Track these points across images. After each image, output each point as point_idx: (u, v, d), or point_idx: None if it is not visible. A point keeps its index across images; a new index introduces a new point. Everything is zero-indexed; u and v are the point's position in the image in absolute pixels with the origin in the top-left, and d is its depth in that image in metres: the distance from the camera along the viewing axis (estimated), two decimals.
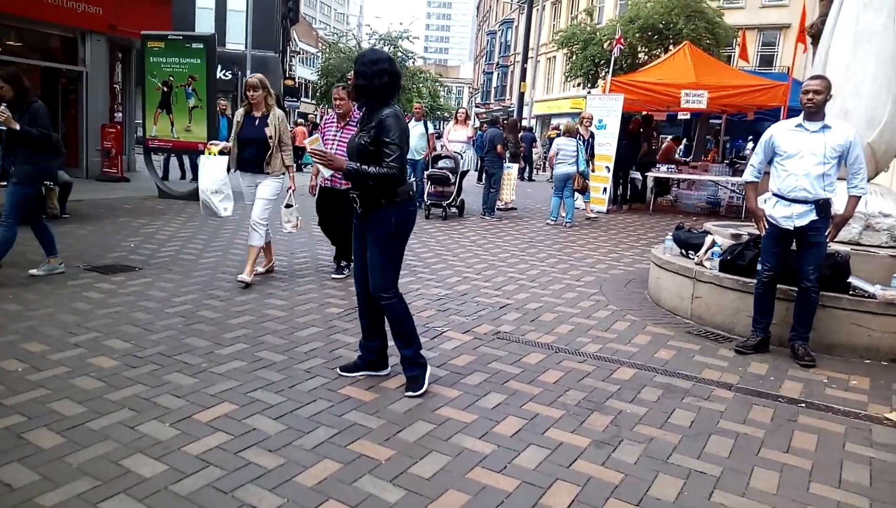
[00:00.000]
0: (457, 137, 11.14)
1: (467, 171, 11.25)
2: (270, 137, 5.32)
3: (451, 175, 10.07)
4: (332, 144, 5.48)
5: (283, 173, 5.52)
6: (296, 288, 5.45)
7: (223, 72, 23.37)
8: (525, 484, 2.61)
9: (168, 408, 3.09)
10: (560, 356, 4.14)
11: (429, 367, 3.54)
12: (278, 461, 2.68)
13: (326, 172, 4.89)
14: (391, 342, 3.61)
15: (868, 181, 5.13)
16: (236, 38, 25.94)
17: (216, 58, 11.06)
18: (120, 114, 14.27)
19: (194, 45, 10.59)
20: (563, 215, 10.29)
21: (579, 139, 10.38)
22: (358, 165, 3.23)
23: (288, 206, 5.66)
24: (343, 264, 5.94)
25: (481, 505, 2.45)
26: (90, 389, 3.25)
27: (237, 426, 2.95)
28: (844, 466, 2.92)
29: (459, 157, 10.51)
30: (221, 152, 5.56)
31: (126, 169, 13.71)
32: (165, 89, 10.62)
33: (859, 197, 4.27)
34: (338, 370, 3.65)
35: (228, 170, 5.56)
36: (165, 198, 10.73)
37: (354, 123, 5.20)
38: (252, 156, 5.41)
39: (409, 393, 3.38)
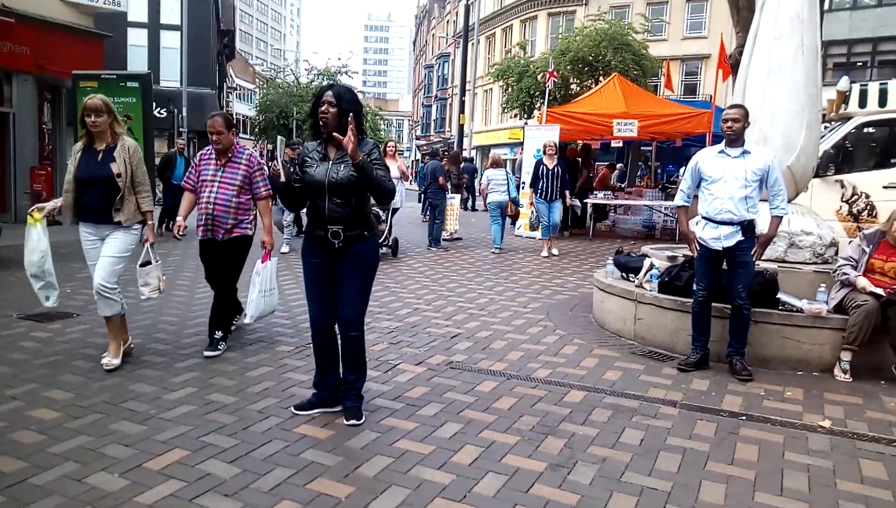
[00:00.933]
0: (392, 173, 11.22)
1: (398, 208, 10.39)
2: (119, 176, 4.13)
3: (381, 213, 9.20)
4: (213, 185, 4.58)
5: (139, 223, 4.37)
6: (244, 328, 5.36)
7: (158, 110, 22.94)
8: None
9: (116, 458, 2.99)
10: (512, 383, 4.21)
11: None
12: (235, 505, 2.64)
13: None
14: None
15: (789, 202, 5.48)
16: (171, 76, 25.56)
17: (152, 96, 10.90)
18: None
19: (129, 84, 10.44)
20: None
21: (545, 168, 10.11)
22: (370, 164, 3.29)
23: (145, 264, 4.43)
24: (218, 335, 4.66)
25: None
26: (31, 443, 3.12)
27: (190, 473, 2.88)
28: (785, 474, 3.07)
29: (397, 194, 10.35)
30: (50, 222, 4.48)
31: (58, 212, 13.21)
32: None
33: (781, 217, 4.56)
34: (292, 409, 3.62)
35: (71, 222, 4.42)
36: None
37: (237, 161, 4.63)
38: (95, 201, 4.19)
39: (354, 421, 3.45)
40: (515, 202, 11.26)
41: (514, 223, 12.22)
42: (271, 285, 4.75)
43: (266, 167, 5.07)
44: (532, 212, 12.32)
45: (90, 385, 3.92)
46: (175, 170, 11.27)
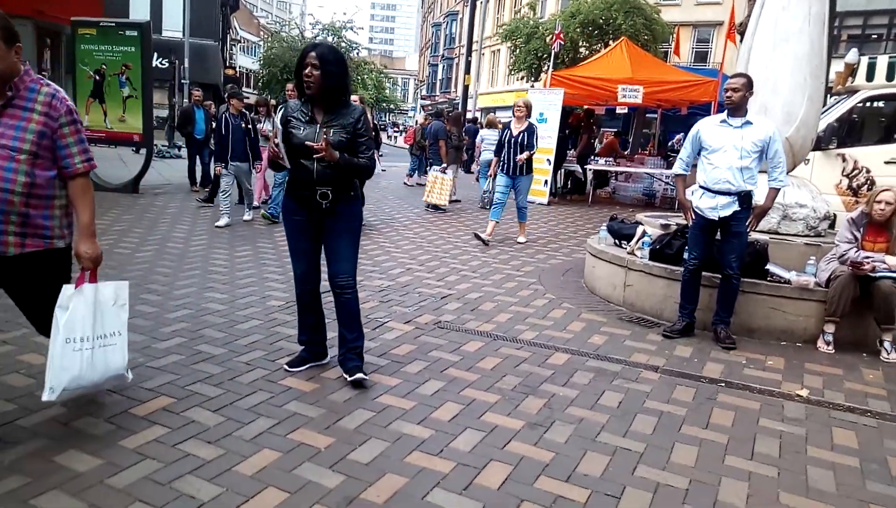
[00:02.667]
0: None
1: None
2: None
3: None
4: None
5: None
6: (237, 281, 5.41)
7: (159, 60, 22.68)
8: (460, 466, 2.71)
9: (102, 404, 3.06)
10: (498, 344, 4.27)
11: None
12: (217, 451, 2.70)
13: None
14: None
15: (787, 174, 5.46)
16: (173, 26, 25.15)
17: (151, 46, 10.76)
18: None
19: (128, 33, 10.27)
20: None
21: (510, 133, 9.45)
22: (348, 157, 3.31)
23: None
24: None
25: (418, 486, 2.54)
26: (20, 386, 3.19)
27: (175, 419, 2.95)
28: (757, 439, 3.14)
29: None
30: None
31: None
32: (98, 78, 10.27)
33: (779, 189, 4.55)
34: (284, 367, 3.62)
35: None
36: (99, 190, 10.33)
37: (25, 104, 2.54)
38: None
39: (361, 375, 3.43)
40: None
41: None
42: (106, 328, 2.83)
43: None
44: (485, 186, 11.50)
45: None
46: (196, 124, 11.11)
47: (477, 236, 7.94)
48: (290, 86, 7.85)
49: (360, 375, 3.43)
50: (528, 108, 7.90)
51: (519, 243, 8.01)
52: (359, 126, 3.35)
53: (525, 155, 7.67)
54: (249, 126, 8.21)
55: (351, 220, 3.48)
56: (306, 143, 3.24)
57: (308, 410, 3.14)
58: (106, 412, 2.97)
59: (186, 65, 21.73)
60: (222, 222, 7.94)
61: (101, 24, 10.50)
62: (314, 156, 3.23)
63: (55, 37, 13.67)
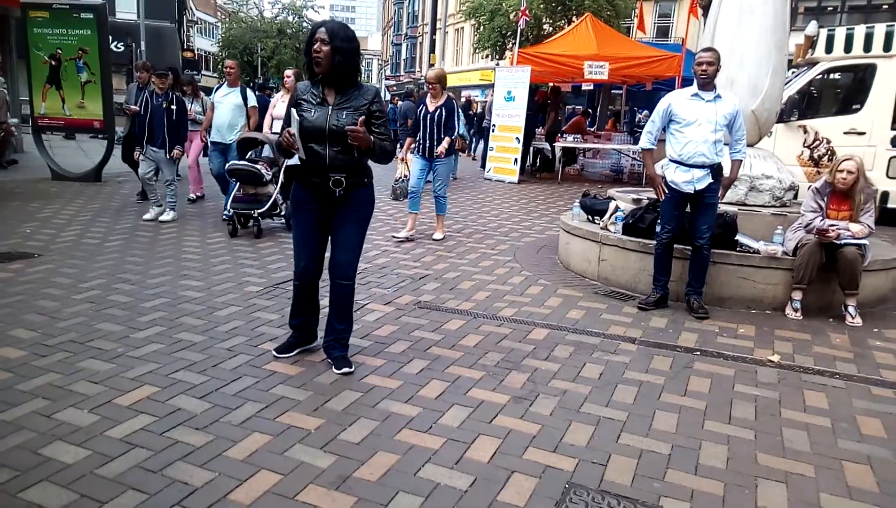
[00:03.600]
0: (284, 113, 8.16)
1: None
2: None
3: (264, 171, 6.60)
4: None
5: None
6: (211, 268, 5.34)
7: (115, 44, 21.93)
8: (450, 441, 2.76)
9: (85, 395, 3.02)
10: (479, 321, 4.31)
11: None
12: (206, 438, 2.70)
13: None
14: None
15: (752, 146, 5.59)
16: (127, 7, 24.29)
17: (107, 29, 10.42)
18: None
19: (83, 16, 9.92)
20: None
21: (425, 109, 8.82)
22: (380, 142, 3.23)
23: None
24: None
25: (409, 463, 2.58)
26: None
27: (161, 408, 2.93)
28: (734, 404, 3.25)
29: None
30: None
31: (13, 150, 12.73)
32: (53, 63, 9.92)
33: (741, 161, 4.67)
34: (273, 352, 3.57)
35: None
36: (60, 180, 10.07)
37: None
38: None
39: (344, 370, 3.38)
40: (463, 137, 12.36)
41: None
42: None
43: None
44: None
45: (55, 325, 3.90)
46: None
47: (396, 238, 6.78)
48: (288, 72, 7.14)
49: (345, 369, 3.39)
50: (442, 81, 6.61)
51: (435, 239, 6.80)
52: (373, 107, 3.21)
53: (445, 144, 6.50)
54: (173, 106, 7.09)
55: (363, 208, 3.37)
56: (347, 127, 3.08)
57: (295, 393, 3.14)
58: (89, 404, 2.93)
59: (143, 48, 21.08)
60: (166, 215, 7.18)
61: (54, 6, 10.11)
62: (350, 141, 3.10)
63: (3, 21, 13.11)
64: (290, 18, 39.32)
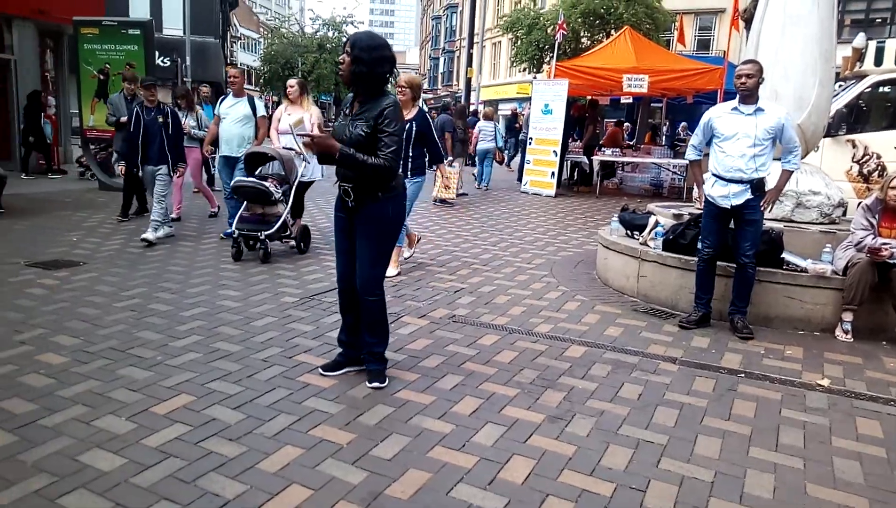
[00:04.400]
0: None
1: (312, 181, 6.90)
2: None
3: (274, 189, 6.04)
4: None
5: None
6: (249, 278, 5.40)
7: (161, 59, 22.60)
8: (483, 460, 2.70)
9: (124, 402, 3.05)
10: (514, 337, 4.25)
11: (388, 363, 3.56)
12: (240, 449, 2.69)
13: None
14: None
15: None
16: (173, 24, 25.04)
17: (154, 44, 10.73)
18: (53, 100, 13.58)
19: (131, 31, 10.26)
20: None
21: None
22: (352, 151, 3.11)
23: None
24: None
25: (442, 482, 2.53)
26: (40, 386, 3.18)
27: (196, 417, 2.94)
28: (781, 430, 3.11)
29: (296, 157, 6.29)
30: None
31: (63, 161, 13.19)
32: (102, 77, 10.25)
33: (791, 172, 4.51)
34: (319, 370, 3.53)
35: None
36: (107, 190, 10.37)
37: None
38: None
39: (376, 384, 3.35)
40: (500, 150, 14.61)
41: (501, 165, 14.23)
42: None
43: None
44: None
45: (97, 332, 3.97)
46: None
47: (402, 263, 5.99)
48: (292, 82, 6.68)
49: (376, 383, 3.36)
50: (414, 88, 5.51)
51: (388, 275, 4.85)
52: (381, 120, 3.10)
53: (441, 173, 6.32)
54: (168, 120, 6.68)
55: (372, 223, 3.26)
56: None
57: (328, 406, 3.13)
58: (127, 411, 2.96)
59: (188, 63, 21.68)
60: (161, 231, 6.67)
61: (104, 22, 10.49)
62: (360, 105, 3.18)
63: (57, 37, 13.62)
64: (330, 34, 40.03)
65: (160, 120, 6.64)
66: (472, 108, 20.21)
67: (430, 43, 55.29)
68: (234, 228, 6.03)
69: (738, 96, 4.44)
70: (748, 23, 11.69)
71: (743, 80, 4.33)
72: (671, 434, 3.01)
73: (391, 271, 5.40)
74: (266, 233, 5.91)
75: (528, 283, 5.69)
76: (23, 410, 2.93)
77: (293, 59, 38.41)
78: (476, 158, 13.74)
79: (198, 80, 20.87)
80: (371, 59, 3.09)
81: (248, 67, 49.80)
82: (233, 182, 6.31)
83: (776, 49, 5.42)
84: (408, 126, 5.31)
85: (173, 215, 7.76)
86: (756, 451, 2.90)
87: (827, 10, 5.39)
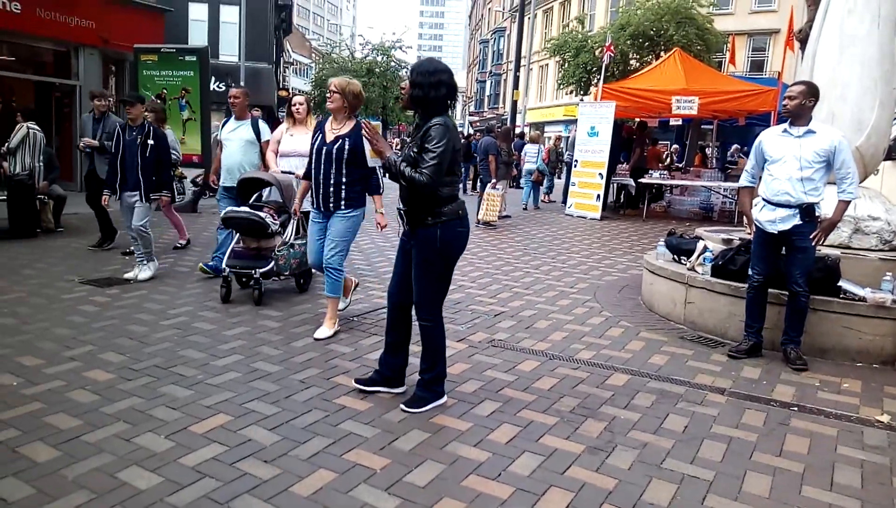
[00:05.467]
0: (295, 147, 5.73)
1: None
2: None
3: (270, 219, 5.34)
4: None
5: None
6: (291, 299, 5.46)
7: (216, 84, 23.40)
8: (519, 491, 2.62)
9: (163, 420, 3.10)
10: (554, 363, 4.16)
11: (443, 400, 3.44)
12: (274, 471, 2.69)
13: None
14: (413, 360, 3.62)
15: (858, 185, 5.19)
16: (229, 50, 25.97)
17: (209, 70, 11.13)
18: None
19: (188, 58, 10.66)
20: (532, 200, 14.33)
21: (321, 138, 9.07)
22: (396, 160, 3.19)
23: None
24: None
25: None
26: (85, 402, 3.26)
27: (232, 437, 2.96)
28: (836, 468, 2.94)
29: (296, 182, 5.38)
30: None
31: None
32: (160, 102, 10.65)
33: (848, 202, 4.31)
34: (353, 381, 3.59)
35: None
36: (159, 210, 10.69)
37: None
38: None
39: (405, 407, 3.33)
40: (541, 171, 15.12)
41: (541, 186, 15.43)
42: None
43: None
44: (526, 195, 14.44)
45: (143, 350, 4.06)
46: None
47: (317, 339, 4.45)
48: (300, 99, 5.89)
49: (411, 408, 3.31)
50: (349, 94, 4.34)
51: (318, 338, 4.41)
52: (425, 137, 3.14)
53: (379, 219, 4.67)
54: (149, 142, 5.88)
55: (422, 248, 3.26)
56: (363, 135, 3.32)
57: (363, 430, 3.10)
58: (166, 430, 3.00)
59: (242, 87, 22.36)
60: (143, 273, 5.94)
61: (162, 50, 10.94)
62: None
63: (119, 64, 14.29)
64: (379, 58, 40.80)
65: (140, 140, 5.87)
66: (517, 130, 20.26)
67: (477, 66, 55.79)
68: (224, 264, 5.29)
69: (786, 118, 4.32)
70: (803, 43, 11.39)
71: (785, 101, 4.24)
72: (718, 470, 2.87)
73: (324, 331, 4.44)
74: (262, 270, 5.17)
75: (571, 308, 5.59)
76: (68, 425, 3.00)
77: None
78: (522, 180, 14.87)
79: (251, 104, 21.51)
80: (427, 83, 3.16)
81: (299, 91, 51.15)
82: (223, 212, 5.52)
83: (833, 70, 5.24)
84: (337, 144, 4.30)
85: (181, 242, 7.57)
86: (809, 490, 2.74)
87: (888, 30, 5.19)
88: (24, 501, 2.40)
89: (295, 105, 5.81)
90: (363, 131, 3.31)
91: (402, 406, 3.35)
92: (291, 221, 5.42)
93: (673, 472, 2.84)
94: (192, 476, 2.62)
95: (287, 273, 5.26)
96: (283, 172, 5.67)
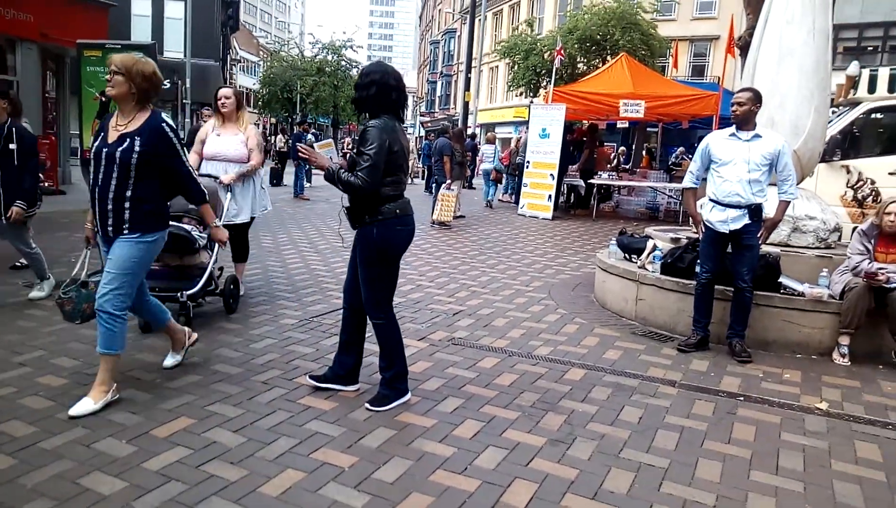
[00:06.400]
0: (220, 150, 5.17)
1: (248, 222, 5.40)
2: None
3: (196, 233, 4.59)
4: None
5: None
6: (248, 300, 5.40)
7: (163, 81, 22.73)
8: (486, 484, 2.69)
9: (124, 425, 3.04)
10: (514, 360, 4.26)
11: (407, 397, 3.47)
12: (241, 472, 2.69)
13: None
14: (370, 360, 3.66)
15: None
16: (175, 47, 25.29)
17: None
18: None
19: (133, 55, 10.34)
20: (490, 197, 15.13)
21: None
22: (336, 168, 3.24)
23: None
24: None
25: (445, 506, 2.52)
26: (40, 408, 3.17)
27: (196, 440, 2.93)
28: (781, 454, 3.12)
29: (221, 189, 4.98)
30: None
31: (61, 182, 13.23)
32: (104, 99, 10.28)
33: (789, 202, 4.57)
34: (307, 376, 3.62)
35: None
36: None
37: None
38: None
39: (369, 405, 3.36)
40: (498, 170, 16.06)
41: (500, 184, 16.55)
42: None
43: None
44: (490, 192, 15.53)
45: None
46: None
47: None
48: (227, 92, 5.22)
49: (374, 407, 3.35)
50: (133, 76, 3.31)
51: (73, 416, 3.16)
52: (362, 141, 3.20)
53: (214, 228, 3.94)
54: (12, 146, 4.93)
55: (361, 247, 3.34)
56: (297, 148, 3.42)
57: (329, 429, 3.12)
58: (127, 434, 2.95)
59: (188, 85, 21.84)
60: (37, 293, 5.16)
61: (107, 45, 10.62)
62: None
63: (59, 60, 13.75)
64: (329, 57, 40.41)
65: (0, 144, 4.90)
66: (468, 131, 20.41)
67: (427, 67, 55.85)
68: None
69: (733, 123, 4.52)
70: (743, 50, 11.86)
71: (734, 108, 4.44)
72: (672, 458, 3.01)
73: (85, 406, 3.13)
74: (189, 292, 4.37)
75: (527, 306, 5.71)
76: (23, 433, 2.91)
77: (292, 81, 38.74)
78: (482, 179, 16.15)
79: (198, 101, 21.05)
80: (361, 84, 3.29)
81: (247, 89, 50.14)
82: None
83: (772, 79, 5.51)
84: (123, 144, 3.23)
85: (20, 263, 5.95)
86: (757, 475, 2.90)
87: (822, 41, 5.48)
88: None
89: (220, 99, 5.12)
90: (300, 153, 3.35)
91: (367, 405, 3.38)
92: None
93: (630, 461, 2.96)
94: (157, 480, 2.59)
95: (78, 321, 3.74)
96: (202, 175, 4.78)
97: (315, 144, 3.49)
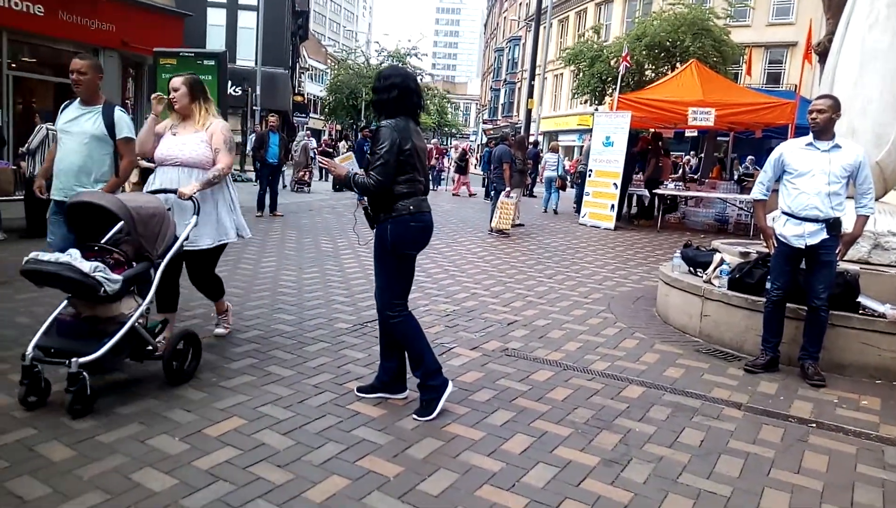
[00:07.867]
0: (174, 152, 4.09)
1: (218, 247, 4.28)
2: None
3: (103, 275, 3.08)
4: None
5: None
6: (304, 303, 5.46)
7: (234, 88, 23.62)
8: (534, 503, 2.60)
9: (178, 422, 3.10)
10: (568, 374, 4.13)
11: (448, 388, 3.42)
12: (287, 476, 2.68)
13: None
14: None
15: (877, 200, 5.14)
16: (247, 55, 26.25)
17: (227, 74, 11.21)
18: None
19: (206, 62, 10.75)
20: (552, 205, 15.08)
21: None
22: (354, 172, 3.32)
23: None
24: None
25: None
26: (100, 402, 3.26)
27: (246, 441, 2.95)
28: (856, 487, 2.89)
29: (176, 210, 3.94)
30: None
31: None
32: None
33: (867, 217, 4.27)
34: (354, 391, 3.58)
35: None
36: None
37: None
38: None
39: (416, 416, 3.31)
40: (562, 178, 16.28)
41: (563, 191, 16.31)
42: None
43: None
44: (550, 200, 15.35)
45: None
46: (270, 148, 11.51)
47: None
48: (174, 82, 4.12)
49: (421, 416, 3.30)
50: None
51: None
52: (374, 141, 3.25)
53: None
54: None
55: (377, 245, 3.36)
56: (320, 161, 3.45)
57: (376, 436, 3.09)
58: (181, 432, 3.00)
59: (258, 92, 22.57)
60: None
61: (181, 53, 11.03)
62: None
63: (138, 67, 14.42)
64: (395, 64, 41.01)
65: None
66: (531, 138, 20.25)
67: (491, 74, 55.90)
68: (30, 347, 3.11)
69: (811, 132, 4.27)
70: (822, 57, 11.31)
71: (814, 115, 4.18)
72: (735, 486, 2.83)
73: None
74: (83, 360, 3.04)
75: (585, 318, 5.56)
76: (82, 426, 3.00)
77: (357, 89, 39.49)
78: (544, 185, 15.95)
79: (267, 108, 21.70)
80: (382, 87, 3.31)
81: (314, 96, 51.45)
82: (24, 261, 3.11)
83: (853, 84, 5.21)
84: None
85: None
86: None
87: None
88: (40, 500, 2.41)
89: (170, 93, 4.11)
90: (321, 165, 3.56)
91: (414, 416, 3.32)
92: (154, 272, 3.47)
93: (689, 487, 2.80)
94: (205, 479, 2.62)
95: None
96: (152, 191, 3.96)
97: (336, 158, 3.69)
